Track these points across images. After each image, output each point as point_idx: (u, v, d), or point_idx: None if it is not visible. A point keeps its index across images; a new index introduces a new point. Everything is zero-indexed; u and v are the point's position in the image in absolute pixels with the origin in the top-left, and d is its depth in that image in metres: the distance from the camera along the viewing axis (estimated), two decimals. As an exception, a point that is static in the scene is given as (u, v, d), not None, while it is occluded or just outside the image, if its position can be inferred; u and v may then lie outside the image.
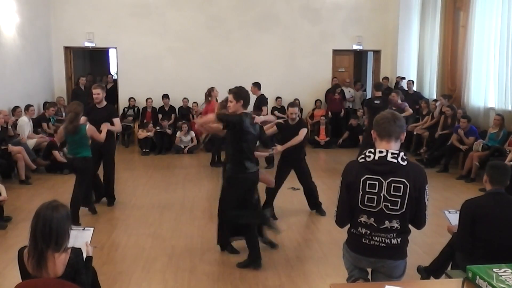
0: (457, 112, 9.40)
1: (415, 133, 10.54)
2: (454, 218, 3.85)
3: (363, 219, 2.71)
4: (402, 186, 2.60)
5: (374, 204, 2.65)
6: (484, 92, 9.49)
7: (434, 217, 6.24)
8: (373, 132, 2.76)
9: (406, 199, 2.61)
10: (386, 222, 2.66)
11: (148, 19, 12.18)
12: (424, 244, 5.29)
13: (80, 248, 2.90)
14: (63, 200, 2.93)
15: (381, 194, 2.63)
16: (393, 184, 2.61)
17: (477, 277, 2.38)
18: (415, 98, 11.36)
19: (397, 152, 2.65)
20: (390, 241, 2.70)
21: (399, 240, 2.71)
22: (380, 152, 2.65)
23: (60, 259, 2.72)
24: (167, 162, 9.93)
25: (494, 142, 8.25)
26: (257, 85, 9.19)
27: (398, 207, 2.63)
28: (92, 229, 3.42)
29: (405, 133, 2.76)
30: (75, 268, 2.76)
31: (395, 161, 2.62)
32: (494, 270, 2.40)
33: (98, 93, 6.32)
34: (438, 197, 7.35)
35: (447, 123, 9.69)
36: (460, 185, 8.02)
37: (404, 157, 2.66)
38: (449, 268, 3.92)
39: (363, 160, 2.70)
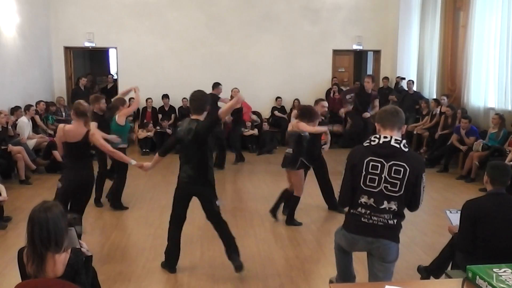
0: (457, 112, 9.41)
1: (415, 132, 10.54)
2: (455, 218, 3.85)
3: (363, 199, 2.90)
4: (402, 169, 2.80)
5: (375, 185, 2.85)
6: (484, 92, 9.48)
7: (434, 217, 6.27)
8: (377, 124, 3.00)
9: (405, 182, 2.81)
10: (385, 202, 2.85)
11: (148, 19, 12.17)
12: (424, 244, 5.30)
13: (80, 248, 2.88)
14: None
15: (382, 176, 2.83)
16: (394, 167, 2.82)
17: (477, 277, 2.38)
18: (415, 98, 11.37)
19: (400, 139, 2.88)
20: (387, 221, 2.88)
21: (395, 221, 2.90)
22: (385, 137, 2.87)
23: (60, 259, 2.70)
24: (167, 162, 9.80)
25: (494, 142, 8.25)
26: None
27: (397, 189, 2.83)
28: (72, 228, 3.00)
29: (405, 126, 3.01)
30: (75, 268, 2.73)
31: (398, 146, 2.84)
32: (494, 270, 2.40)
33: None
34: (438, 197, 7.35)
35: (447, 123, 9.69)
36: (460, 185, 8.02)
37: (406, 145, 2.87)
38: (449, 268, 3.92)
39: (368, 144, 2.93)
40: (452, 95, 10.35)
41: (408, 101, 11.34)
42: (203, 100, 4.41)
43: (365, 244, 2.96)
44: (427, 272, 4.16)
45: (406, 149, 2.84)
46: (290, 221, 5.85)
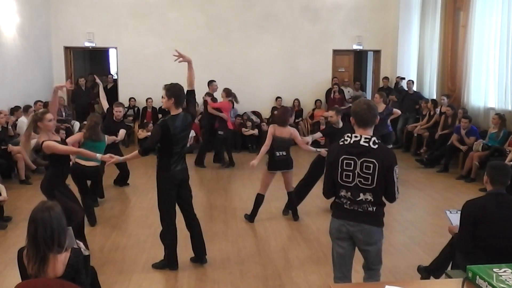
0: (457, 112, 9.41)
1: (415, 134, 10.55)
2: (455, 218, 3.86)
3: (343, 193, 3.18)
4: (372, 165, 3.05)
5: (350, 180, 3.12)
6: (484, 92, 9.48)
7: (434, 217, 6.27)
8: (352, 118, 3.20)
9: (376, 176, 3.05)
10: (361, 194, 3.11)
11: (149, 19, 12.17)
12: (424, 244, 5.30)
13: (79, 248, 2.89)
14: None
15: (356, 172, 3.09)
16: (364, 164, 3.07)
17: (477, 277, 2.38)
18: (415, 98, 11.37)
19: (369, 137, 3.10)
20: (367, 208, 3.12)
21: (374, 208, 3.13)
22: (356, 137, 3.13)
23: (61, 259, 2.70)
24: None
25: (494, 142, 8.25)
26: None
27: (369, 183, 3.07)
28: (70, 228, 3.07)
29: (378, 117, 3.24)
30: (75, 268, 2.74)
31: (367, 145, 3.08)
32: (494, 270, 2.40)
33: (120, 111, 7.11)
34: (438, 197, 7.36)
35: (447, 123, 9.69)
36: (460, 185, 8.02)
37: (376, 141, 3.09)
38: (449, 268, 3.92)
39: (342, 143, 3.18)
40: (452, 95, 10.35)
41: (408, 101, 11.34)
42: (184, 92, 4.56)
43: (348, 227, 3.17)
44: (427, 272, 4.16)
45: (375, 146, 3.06)
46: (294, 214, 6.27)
